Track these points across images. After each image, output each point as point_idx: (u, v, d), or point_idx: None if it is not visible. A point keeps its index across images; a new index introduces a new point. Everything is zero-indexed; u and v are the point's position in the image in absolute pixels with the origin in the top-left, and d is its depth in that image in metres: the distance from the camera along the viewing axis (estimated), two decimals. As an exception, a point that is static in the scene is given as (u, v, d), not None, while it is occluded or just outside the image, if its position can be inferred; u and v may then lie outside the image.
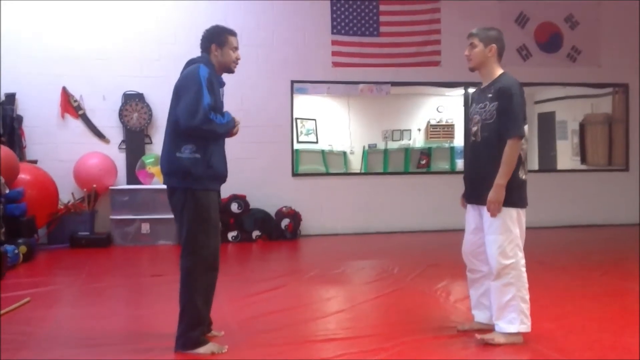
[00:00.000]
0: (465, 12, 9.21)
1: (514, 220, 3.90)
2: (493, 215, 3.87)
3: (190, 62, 3.98)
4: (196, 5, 8.71)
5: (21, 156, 7.88)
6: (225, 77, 4.13)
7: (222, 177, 3.97)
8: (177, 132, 3.81)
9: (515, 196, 3.90)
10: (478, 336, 3.96)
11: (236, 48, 4.03)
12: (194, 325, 3.78)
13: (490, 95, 3.98)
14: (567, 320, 4.52)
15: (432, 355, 3.80)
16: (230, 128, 3.90)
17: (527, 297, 3.90)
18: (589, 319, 4.57)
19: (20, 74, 8.18)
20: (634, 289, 5.54)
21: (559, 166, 11.09)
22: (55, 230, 8.09)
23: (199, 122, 3.68)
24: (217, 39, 3.99)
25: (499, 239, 3.87)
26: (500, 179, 3.84)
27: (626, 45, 9.89)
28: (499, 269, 3.87)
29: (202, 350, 3.76)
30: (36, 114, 8.31)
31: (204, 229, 3.80)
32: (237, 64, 4.07)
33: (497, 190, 3.84)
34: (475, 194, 4.01)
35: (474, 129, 4.06)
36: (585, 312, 4.77)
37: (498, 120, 3.90)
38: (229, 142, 4.08)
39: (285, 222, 8.59)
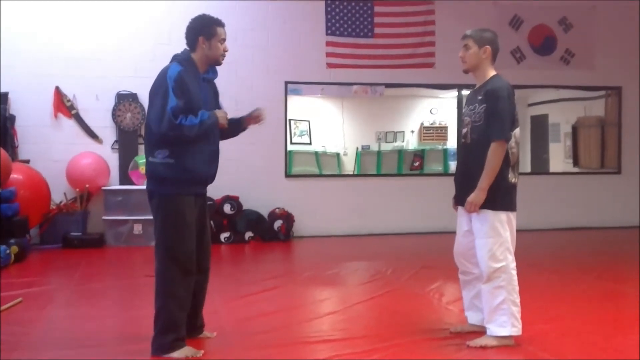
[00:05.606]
0: (459, 14, 9.20)
1: (504, 224, 3.90)
2: (470, 212, 3.89)
3: (174, 58, 3.93)
4: (190, 6, 8.65)
5: (13, 156, 7.83)
6: (219, 77, 4.09)
7: (203, 180, 3.91)
8: (149, 138, 3.82)
9: (505, 199, 3.91)
10: (469, 343, 3.95)
11: (224, 39, 3.90)
12: (167, 330, 3.72)
13: (480, 97, 3.98)
14: (561, 323, 4.53)
15: (425, 357, 3.80)
16: (208, 126, 3.78)
17: (518, 300, 3.90)
18: (583, 321, 4.59)
19: (13, 73, 8.13)
20: (627, 292, 5.57)
21: (552, 169, 11.13)
22: (48, 231, 8.04)
23: (164, 129, 3.63)
24: (205, 31, 3.86)
25: (488, 243, 3.87)
26: (482, 183, 3.85)
27: (620, 48, 9.92)
28: (489, 273, 3.87)
29: (176, 354, 3.70)
30: (29, 113, 8.26)
31: (178, 233, 3.74)
32: (224, 56, 3.95)
33: (477, 192, 3.86)
34: (465, 196, 3.99)
35: (465, 130, 4.06)
36: (578, 315, 4.78)
37: (486, 123, 3.90)
38: (223, 143, 4.05)
39: (278, 224, 8.57)
